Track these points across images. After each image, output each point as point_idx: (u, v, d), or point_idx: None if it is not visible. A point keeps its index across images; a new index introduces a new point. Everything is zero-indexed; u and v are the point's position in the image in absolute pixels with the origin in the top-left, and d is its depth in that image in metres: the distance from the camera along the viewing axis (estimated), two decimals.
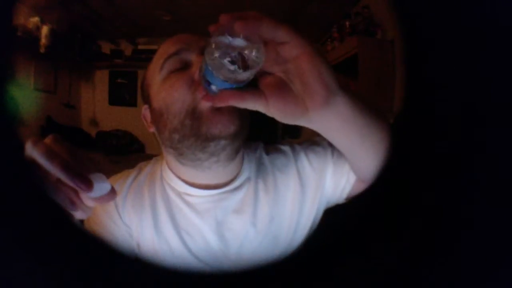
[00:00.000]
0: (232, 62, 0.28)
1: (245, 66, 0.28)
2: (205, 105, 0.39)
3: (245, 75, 0.29)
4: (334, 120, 0.32)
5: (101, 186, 0.30)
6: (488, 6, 0.28)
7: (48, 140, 0.29)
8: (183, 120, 0.40)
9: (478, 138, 0.29)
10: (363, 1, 1.49)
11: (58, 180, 0.28)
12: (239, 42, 0.28)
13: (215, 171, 0.44)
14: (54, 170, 0.27)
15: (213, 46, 0.28)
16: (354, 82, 1.33)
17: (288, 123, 0.32)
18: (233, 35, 0.27)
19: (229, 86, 0.30)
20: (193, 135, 0.39)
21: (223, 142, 0.40)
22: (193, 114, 0.39)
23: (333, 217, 0.51)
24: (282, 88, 0.31)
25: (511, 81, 0.28)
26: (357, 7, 1.50)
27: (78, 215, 0.30)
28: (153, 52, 0.47)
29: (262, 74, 0.32)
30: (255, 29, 0.28)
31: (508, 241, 0.28)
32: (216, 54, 0.28)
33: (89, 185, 0.28)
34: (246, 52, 0.28)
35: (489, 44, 0.28)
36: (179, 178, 0.47)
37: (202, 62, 0.31)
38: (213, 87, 0.31)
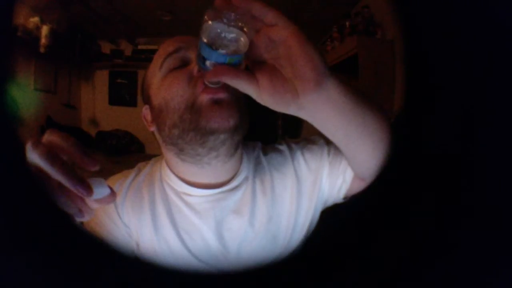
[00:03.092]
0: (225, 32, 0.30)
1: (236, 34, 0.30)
2: (204, 98, 0.39)
3: (237, 46, 0.30)
4: (327, 107, 0.32)
5: (100, 190, 0.30)
6: (488, 6, 0.28)
7: (50, 137, 0.29)
8: (182, 115, 0.40)
9: (477, 138, 0.29)
10: (363, 1, 1.49)
11: (60, 184, 0.28)
12: (231, 29, 0.30)
13: (214, 168, 0.44)
14: (54, 173, 0.27)
15: (206, 18, 0.30)
16: (354, 82, 1.33)
17: (280, 110, 0.32)
18: (228, 12, 0.30)
19: (222, 59, 0.31)
20: (192, 129, 0.40)
21: (222, 136, 0.40)
22: (192, 108, 0.40)
23: (332, 217, 0.51)
24: (274, 74, 0.31)
25: (511, 81, 0.28)
26: (357, 7, 1.50)
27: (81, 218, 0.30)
28: (153, 52, 0.47)
29: (254, 62, 0.32)
30: (248, 4, 0.30)
31: (508, 240, 0.28)
32: (210, 22, 0.30)
33: (89, 191, 0.28)
34: (237, 24, 0.30)
35: (489, 44, 0.28)
36: (179, 177, 0.47)
37: (198, 41, 0.32)
38: (208, 63, 0.32)
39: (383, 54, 1.31)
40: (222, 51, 0.30)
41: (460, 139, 0.30)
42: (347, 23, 1.50)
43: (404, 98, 0.35)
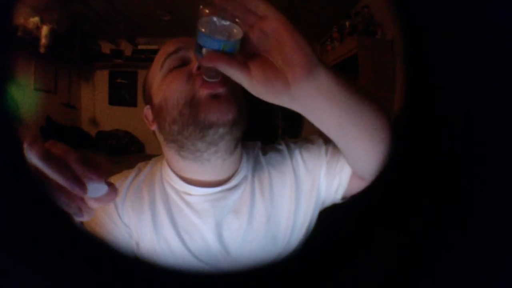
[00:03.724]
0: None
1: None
2: (202, 93, 0.40)
3: (231, 34, 0.32)
4: (319, 98, 0.32)
5: (98, 188, 0.30)
6: (488, 6, 0.28)
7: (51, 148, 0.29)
8: (182, 110, 0.41)
9: (477, 137, 0.29)
10: (363, 1, 1.49)
11: (59, 185, 0.28)
12: (225, 20, 0.32)
13: (214, 165, 0.45)
14: (49, 172, 0.27)
15: (201, 8, 0.32)
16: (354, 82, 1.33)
17: (272, 101, 0.32)
18: (223, 5, 0.32)
19: (217, 46, 0.32)
20: (191, 124, 0.40)
21: (221, 130, 0.40)
22: (191, 103, 0.40)
23: (332, 217, 0.51)
24: (266, 64, 0.32)
25: (511, 81, 0.28)
26: (357, 7, 1.50)
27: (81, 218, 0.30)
28: (153, 52, 0.48)
29: (248, 55, 0.33)
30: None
31: (508, 240, 0.28)
32: (206, 11, 0.32)
33: (83, 188, 0.28)
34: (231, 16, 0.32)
35: (489, 44, 0.28)
36: (179, 176, 0.47)
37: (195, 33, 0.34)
38: (204, 51, 0.33)
39: (383, 54, 1.31)
40: (217, 38, 0.32)
41: (460, 139, 0.30)
42: (347, 23, 1.50)
43: (404, 98, 0.35)
